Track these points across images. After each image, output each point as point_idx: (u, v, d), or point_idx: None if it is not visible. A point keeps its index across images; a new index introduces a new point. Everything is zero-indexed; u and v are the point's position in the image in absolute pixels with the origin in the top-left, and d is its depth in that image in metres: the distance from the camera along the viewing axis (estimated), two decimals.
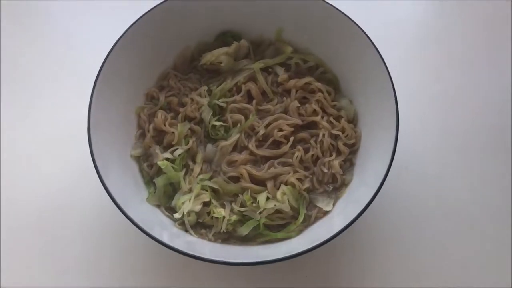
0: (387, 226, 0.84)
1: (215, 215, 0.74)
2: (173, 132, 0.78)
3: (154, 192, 0.77)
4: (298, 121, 0.79)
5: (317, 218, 0.76)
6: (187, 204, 0.75)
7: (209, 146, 0.79)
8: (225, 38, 0.88)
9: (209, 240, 0.75)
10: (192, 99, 0.80)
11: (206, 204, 0.76)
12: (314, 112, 0.80)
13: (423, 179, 0.87)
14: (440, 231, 0.84)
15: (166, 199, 0.78)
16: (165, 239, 0.69)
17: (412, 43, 0.98)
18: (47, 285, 0.81)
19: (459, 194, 0.84)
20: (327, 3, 0.79)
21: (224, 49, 0.85)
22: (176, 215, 0.75)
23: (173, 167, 0.76)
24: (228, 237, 0.76)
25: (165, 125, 0.79)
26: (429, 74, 0.95)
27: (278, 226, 0.74)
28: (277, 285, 0.80)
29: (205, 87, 0.81)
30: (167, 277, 0.81)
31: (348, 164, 0.79)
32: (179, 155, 0.77)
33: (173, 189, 0.79)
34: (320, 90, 0.80)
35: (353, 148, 0.79)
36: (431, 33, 1.00)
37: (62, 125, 0.91)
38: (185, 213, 0.74)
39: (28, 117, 0.92)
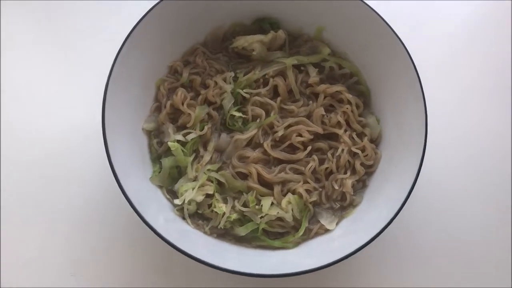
0: (388, 252, 0.82)
1: (215, 210, 0.72)
2: (189, 114, 0.75)
3: (159, 172, 0.75)
4: (319, 129, 0.76)
5: (317, 234, 0.74)
6: (189, 192, 0.73)
7: (223, 136, 0.76)
8: (262, 24, 0.83)
9: (205, 232, 0.73)
10: (215, 83, 0.77)
11: (208, 195, 0.74)
12: (338, 124, 0.77)
13: (434, 208, 0.83)
14: (446, 262, 0.81)
15: (169, 181, 0.75)
16: (159, 222, 0.68)
17: (453, 67, 0.93)
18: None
19: (470, 226, 0.82)
20: (375, 12, 0.74)
21: (259, 37, 0.80)
22: (177, 202, 0.73)
23: (182, 151, 0.74)
24: (224, 233, 0.74)
25: (183, 105, 0.76)
26: (464, 104, 0.91)
27: (276, 234, 0.73)
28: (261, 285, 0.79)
29: (232, 73, 0.78)
30: (154, 259, 0.79)
31: (361, 185, 0.76)
32: (192, 139, 0.74)
33: (178, 172, 0.76)
34: (349, 102, 0.77)
35: (370, 170, 0.76)
36: (475, 61, 0.94)
37: (83, 82, 0.88)
38: (186, 201, 0.73)
39: (51, 73, 0.88)
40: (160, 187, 0.75)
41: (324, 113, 0.76)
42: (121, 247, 0.80)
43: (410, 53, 0.71)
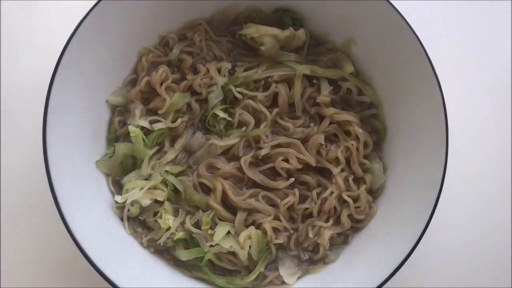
0: None
1: (160, 222, 0.60)
2: (165, 99, 0.64)
3: (110, 157, 0.63)
4: (311, 161, 0.65)
5: (271, 284, 0.62)
6: (135, 191, 0.61)
7: (198, 136, 0.65)
8: (284, 16, 0.69)
9: (141, 243, 0.62)
10: (207, 70, 0.66)
11: (158, 201, 0.62)
12: (336, 160, 0.65)
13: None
14: None
15: (119, 171, 0.64)
16: (89, 215, 0.57)
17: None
18: None
19: None
20: (418, 39, 0.60)
21: (274, 30, 0.66)
22: (118, 198, 0.62)
23: (144, 140, 0.63)
24: (163, 251, 0.62)
25: (161, 86, 0.64)
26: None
27: (223, 269, 0.63)
28: None
29: (229, 65, 0.67)
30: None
31: (342, 240, 0.65)
32: (159, 129, 0.64)
33: (133, 163, 0.64)
34: (357, 138, 0.66)
35: (358, 225, 0.65)
36: None
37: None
38: (128, 201, 0.61)
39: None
40: (107, 175, 0.63)
41: (323, 142, 0.65)
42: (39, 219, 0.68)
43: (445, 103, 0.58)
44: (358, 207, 0.63)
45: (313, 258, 0.63)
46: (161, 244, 0.61)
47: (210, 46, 0.68)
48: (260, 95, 0.65)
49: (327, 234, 0.62)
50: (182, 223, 0.61)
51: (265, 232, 0.62)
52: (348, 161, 0.65)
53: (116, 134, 0.65)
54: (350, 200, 0.63)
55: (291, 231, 0.63)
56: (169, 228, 0.60)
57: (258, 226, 0.62)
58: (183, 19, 0.68)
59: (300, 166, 0.64)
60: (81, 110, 0.60)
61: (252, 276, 0.61)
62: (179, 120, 0.63)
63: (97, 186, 0.62)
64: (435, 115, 0.59)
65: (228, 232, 0.61)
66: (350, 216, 0.64)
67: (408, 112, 0.64)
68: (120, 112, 0.65)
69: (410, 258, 0.56)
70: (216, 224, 0.62)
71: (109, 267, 0.52)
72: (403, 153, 0.64)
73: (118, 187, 0.64)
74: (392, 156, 0.66)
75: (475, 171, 0.75)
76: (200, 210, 0.62)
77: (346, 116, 0.65)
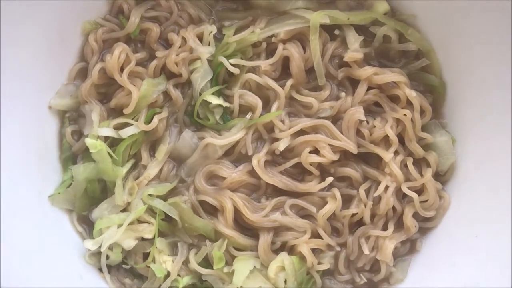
0: None
1: (154, 268, 0.47)
2: (130, 92, 0.51)
3: (69, 186, 0.49)
4: (351, 147, 0.51)
5: None
6: (112, 232, 0.49)
7: (187, 135, 0.52)
8: None
9: None
10: (184, 40, 0.53)
11: (145, 238, 0.49)
12: (385, 141, 0.52)
13: None
14: None
15: (85, 203, 0.52)
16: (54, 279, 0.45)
17: None
18: None
19: None
20: None
21: None
22: (89, 245, 0.48)
23: (110, 156, 0.50)
24: None
25: (121, 72, 0.51)
26: None
27: None
28: None
29: (214, 27, 0.53)
30: None
31: (407, 248, 0.53)
32: (130, 136, 0.51)
33: (102, 188, 0.52)
34: (410, 104, 0.52)
35: (427, 225, 0.53)
36: None
37: None
38: (104, 246, 0.47)
39: None
40: (69, 211, 0.51)
41: (363, 117, 0.51)
42: None
43: None
44: (425, 200, 0.51)
45: (373, 280, 0.53)
46: None
47: (183, 5, 0.55)
48: (264, 63, 0.52)
49: (389, 246, 0.51)
50: (185, 262, 0.50)
51: (302, 257, 0.50)
52: (401, 138, 0.52)
53: (72, 152, 0.53)
54: (414, 195, 0.51)
55: (338, 249, 0.52)
56: (168, 275, 0.49)
57: (292, 250, 0.51)
58: None
59: (336, 157, 0.51)
60: (20, 124, 0.47)
61: None
62: (156, 119, 0.51)
63: (57, 230, 0.50)
64: None
65: (253, 268, 0.50)
66: (415, 215, 0.52)
67: (475, 57, 0.50)
68: (71, 120, 0.53)
69: None
70: (233, 258, 0.50)
71: None
72: (473, 115, 0.51)
73: (87, 225, 0.52)
74: (459, 122, 0.53)
75: None
76: (207, 241, 0.51)
77: (389, 75, 0.52)
